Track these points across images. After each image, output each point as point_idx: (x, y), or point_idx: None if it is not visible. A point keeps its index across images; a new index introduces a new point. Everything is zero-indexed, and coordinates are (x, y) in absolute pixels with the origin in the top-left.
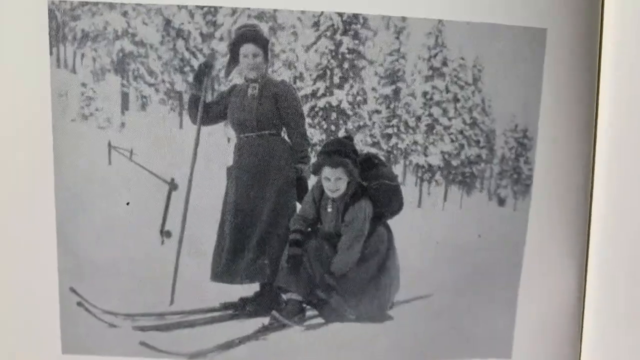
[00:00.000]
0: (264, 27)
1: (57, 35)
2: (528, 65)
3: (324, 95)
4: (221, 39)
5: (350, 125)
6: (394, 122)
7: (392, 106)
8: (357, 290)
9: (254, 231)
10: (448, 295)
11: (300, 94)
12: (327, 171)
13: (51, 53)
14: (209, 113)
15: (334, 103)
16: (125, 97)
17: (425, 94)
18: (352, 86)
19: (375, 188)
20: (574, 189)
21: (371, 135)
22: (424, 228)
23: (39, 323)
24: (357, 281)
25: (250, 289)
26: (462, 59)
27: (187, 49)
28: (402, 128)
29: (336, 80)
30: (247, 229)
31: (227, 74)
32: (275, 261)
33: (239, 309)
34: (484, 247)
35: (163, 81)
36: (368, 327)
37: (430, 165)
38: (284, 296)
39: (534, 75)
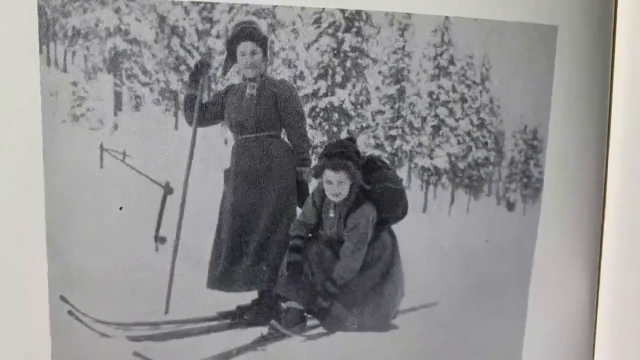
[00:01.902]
0: (263, 24)
1: (47, 32)
2: (538, 64)
3: (325, 95)
4: (218, 36)
5: (352, 127)
6: (399, 123)
7: (396, 106)
8: (360, 299)
9: (253, 237)
10: (454, 303)
11: (301, 93)
12: (328, 174)
13: (41, 51)
14: (205, 114)
15: (336, 103)
16: (118, 97)
17: (431, 93)
18: (354, 86)
19: (378, 192)
20: (586, 193)
21: (375, 137)
22: (429, 233)
23: (28, 333)
24: (360, 289)
25: (248, 297)
26: (470, 57)
27: (183, 46)
28: (406, 129)
29: (338, 79)
30: (245, 234)
31: (225, 72)
32: (274, 268)
33: (237, 318)
34: (492, 254)
35: (157, 80)
36: (371, 336)
37: (436, 168)
38: (284, 305)
39: (545, 75)
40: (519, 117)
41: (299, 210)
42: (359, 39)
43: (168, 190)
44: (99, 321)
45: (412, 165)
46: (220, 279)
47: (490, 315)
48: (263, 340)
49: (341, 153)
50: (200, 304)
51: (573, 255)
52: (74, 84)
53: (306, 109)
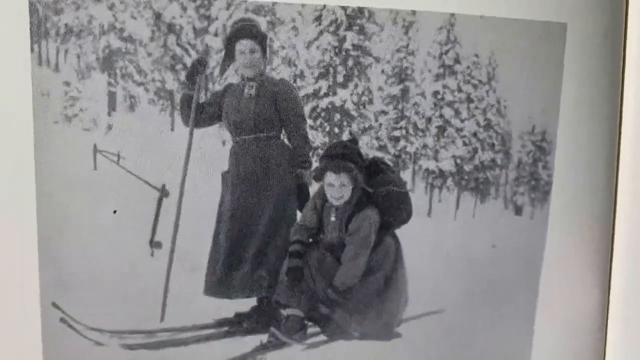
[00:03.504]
0: (262, 22)
1: (38, 30)
2: (547, 62)
3: (326, 94)
4: (216, 34)
5: (355, 127)
6: (402, 124)
7: (400, 107)
8: (362, 306)
9: (251, 241)
10: (460, 310)
11: (301, 93)
12: (330, 177)
13: (32, 50)
14: (202, 114)
15: (338, 103)
16: (112, 97)
17: (435, 93)
18: (356, 85)
19: (382, 195)
20: (596, 196)
21: (377, 138)
22: (434, 238)
23: (19, 341)
24: (362, 295)
25: (247, 304)
26: (476, 55)
27: (179, 45)
28: (410, 130)
29: (340, 78)
30: (243, 239)
31: (222, 72)
32: (274, 274)
33: (235, 325)
34: (499, 259)
35: (153, 80)
36: (374, 345)
37: (441, 171)
38: (284, 312)
39: (554, 74)
40: (526, 117)
41: (299, 214)
42: (362, 37)
43: (164, 193)
44: (92, 329)
45: (417, 168)
46: (218, 285)
47: (497, 322)
48: (262, 349)
49: (343, 155)
50: (197, 311)
51: (583, 260)
52: (67, 83)
53: (307, 109)
